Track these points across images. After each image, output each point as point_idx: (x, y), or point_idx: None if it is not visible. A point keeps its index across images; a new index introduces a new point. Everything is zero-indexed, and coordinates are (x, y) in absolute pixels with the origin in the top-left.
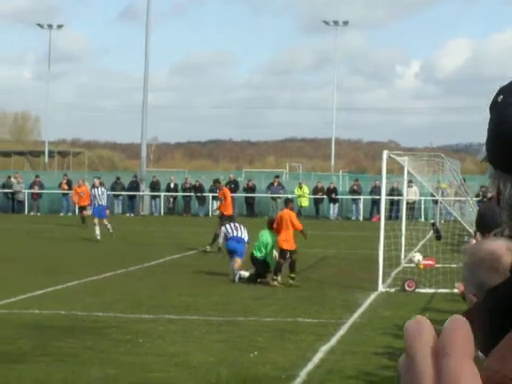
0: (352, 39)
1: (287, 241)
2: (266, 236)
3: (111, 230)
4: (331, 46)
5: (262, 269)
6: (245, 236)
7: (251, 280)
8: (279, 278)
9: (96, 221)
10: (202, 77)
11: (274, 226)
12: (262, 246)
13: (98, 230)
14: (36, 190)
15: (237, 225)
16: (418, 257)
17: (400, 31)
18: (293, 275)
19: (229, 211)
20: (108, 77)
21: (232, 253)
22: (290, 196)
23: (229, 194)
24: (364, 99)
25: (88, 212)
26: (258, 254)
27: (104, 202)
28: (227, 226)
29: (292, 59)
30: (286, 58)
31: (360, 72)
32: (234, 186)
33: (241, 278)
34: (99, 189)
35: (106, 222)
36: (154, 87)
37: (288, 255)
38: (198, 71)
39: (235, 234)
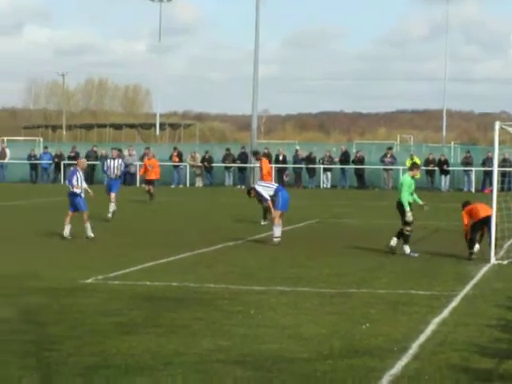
0: (466, 9)
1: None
2: (405, 177)
3: (110, 214)
4: (444, 16)
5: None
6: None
7: (399, 236)
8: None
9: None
10: (313, 49)
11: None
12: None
13: (111, 207)
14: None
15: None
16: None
17: None
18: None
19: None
20: (219, 49)
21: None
22: (401, 167)
23: (264, 165)
24: (477, 69)
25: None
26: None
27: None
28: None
29: (404, 30)
30: (397, 29)
31: (474, 42)
32: (344, 157)
33: (393, 247)
34: (116, 160)
35: (113, 198)
36: (265, 59)
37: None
38: (310, 43)
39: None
